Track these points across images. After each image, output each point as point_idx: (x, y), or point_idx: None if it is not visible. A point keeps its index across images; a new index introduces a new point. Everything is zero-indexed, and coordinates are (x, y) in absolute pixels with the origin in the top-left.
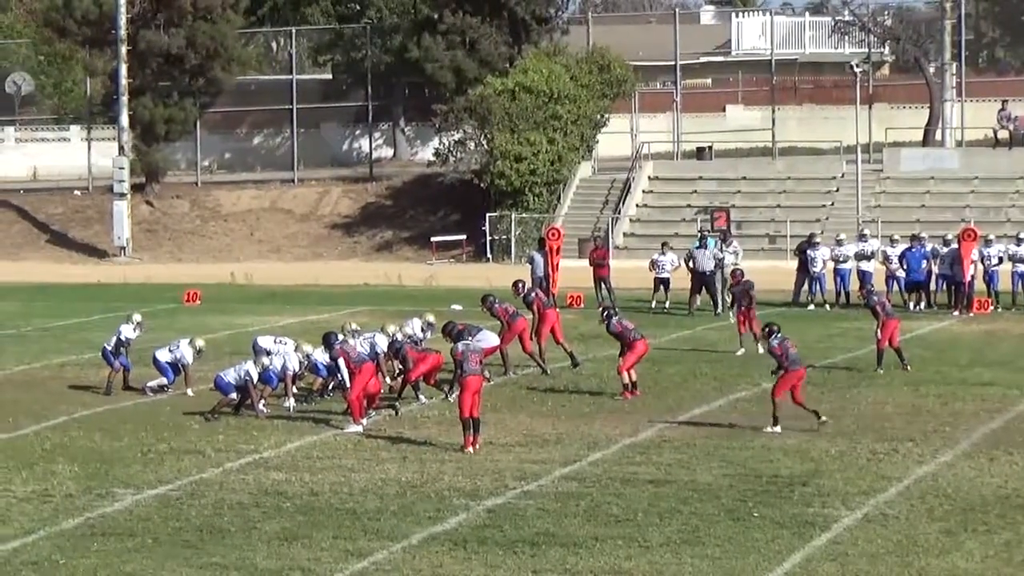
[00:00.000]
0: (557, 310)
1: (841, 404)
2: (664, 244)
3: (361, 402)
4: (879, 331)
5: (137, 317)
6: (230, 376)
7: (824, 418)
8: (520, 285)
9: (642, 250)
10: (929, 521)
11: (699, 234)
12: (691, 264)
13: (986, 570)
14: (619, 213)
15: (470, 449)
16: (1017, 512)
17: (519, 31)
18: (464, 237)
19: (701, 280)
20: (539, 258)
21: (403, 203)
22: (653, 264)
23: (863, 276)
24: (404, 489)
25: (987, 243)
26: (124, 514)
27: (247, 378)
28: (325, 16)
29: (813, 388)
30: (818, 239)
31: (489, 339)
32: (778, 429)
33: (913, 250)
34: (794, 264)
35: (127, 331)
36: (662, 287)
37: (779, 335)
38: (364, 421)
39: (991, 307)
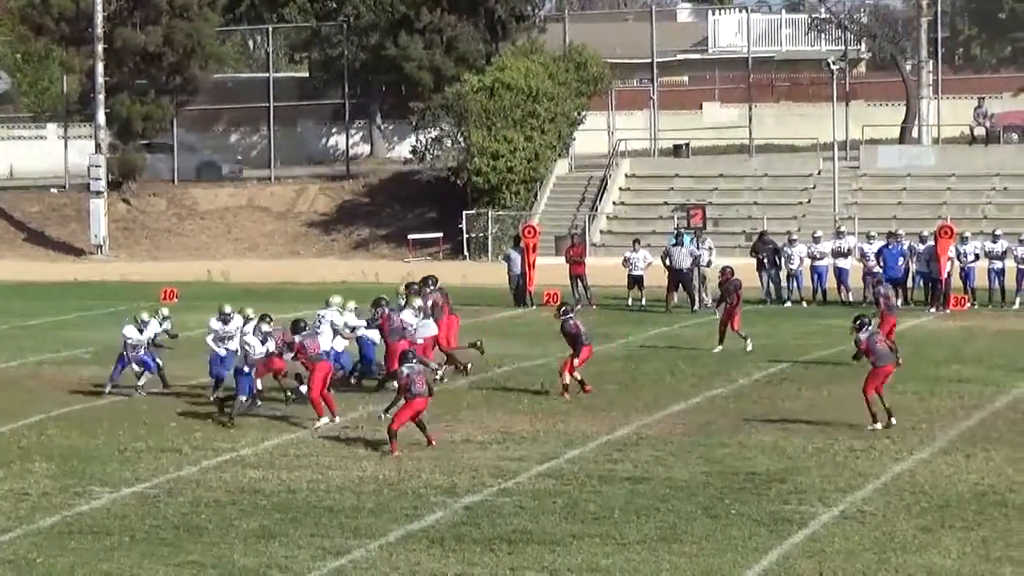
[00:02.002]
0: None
1: (818, 401)
2: (635, 241)
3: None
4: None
5: (144, 316)
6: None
7: (893, 420)
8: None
9: (619, 247)
10: (906, 518)
11: (675, 231)
12: (668, 261)
13: (963, 566)
14: (596, 210)
15: (397, 454)
16: (994, 508)
17: (496, 29)
18: (441, 235)
19: (678, 277)
20: (515, 256)
21: (380, 201)
22: (626, 261)
23: (840, 273)
24: (381, 487)
25: (963, 240)
26: (101, 512)
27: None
28: (302, 14)
29: (789, 384)
30: (769, 236)
31: (430, 328)
32: (879, 426)
33: (890, 247)
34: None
35: (131, 331)
36: (636, 285)
37: (868, 328)
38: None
39: (968, 304)
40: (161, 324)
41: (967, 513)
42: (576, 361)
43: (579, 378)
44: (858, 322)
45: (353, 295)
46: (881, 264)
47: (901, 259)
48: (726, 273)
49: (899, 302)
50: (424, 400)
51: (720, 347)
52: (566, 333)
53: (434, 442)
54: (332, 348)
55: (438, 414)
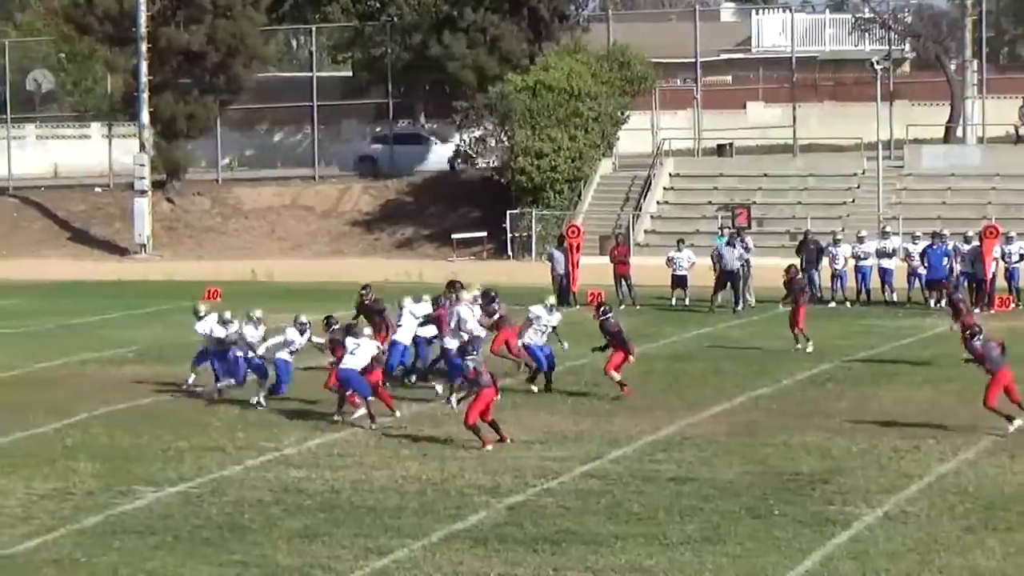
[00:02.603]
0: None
1: (862, 401)
2: (680, 241)
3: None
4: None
5: (227, 314)
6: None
7: (1020, 421)
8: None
9: (663, 247)
10: (950, 519)
11: (724, 231)
12: (719, 261)
13: (1007, 568)
14: (640, 210)
15: (489, 447)
16: None
17: (540, 28)
18: (485, 234)
19: (727, 277)
20: (559, 255)
21: (424, 200)
22: (669, 261)
23: (884, 273)
24: (424, 487)
25: (1008, 240)
26: (145, 512)
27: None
28: (345, 13)
29: (833, 384)
30: (814, 236)
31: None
32: (1019, 421)
33: (934, 247)
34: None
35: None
36: (680, 285)
37: (981, 337)
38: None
39: (1012, 304)
40: (257, 327)
41: (1011, 514)
42: (618, 359)
43: (618, 379)
44: (969, 332)
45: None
46: (925, 264)
47: (945, 259)
48: (791, 272)
49: (943, 303)
50: (492, 390)
51: (805, 346)
52: (607, 332)
53: (508, 439)
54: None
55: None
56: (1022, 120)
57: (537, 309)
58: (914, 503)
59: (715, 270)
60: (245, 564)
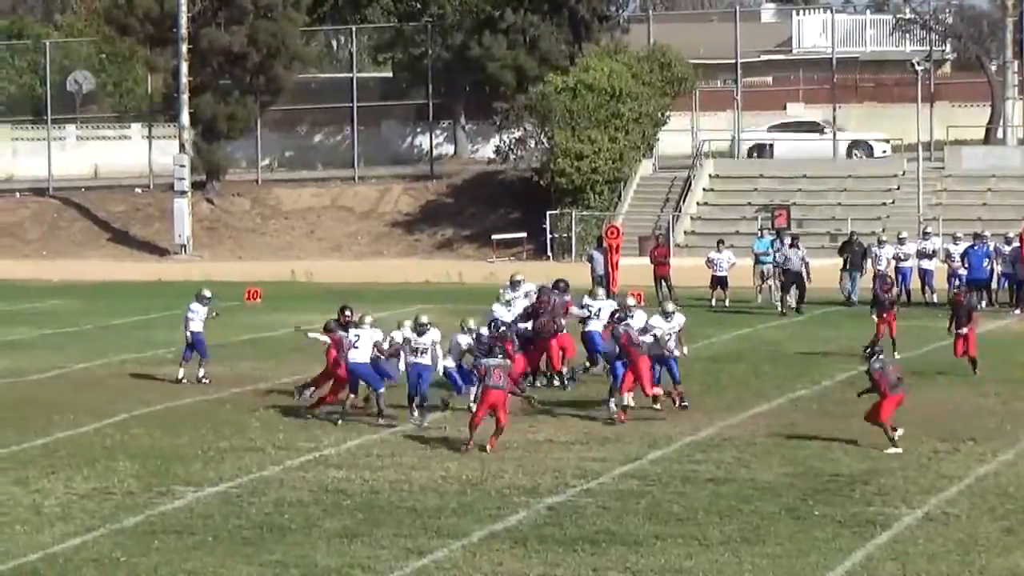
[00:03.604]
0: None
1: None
2: (720, 242)
3: None
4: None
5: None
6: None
7: (900, 432)
8: None
9: (703, 248)
10: (990, 520)
11: (764, 232)
12: (784, 264)
13: None
14: (680, 211)
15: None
16: None
17: (580, 29)
18: (524, 235)
19: (792, 279)
20: (598, 256)
21: (463, 201)
22: (709, 262)
23: (924, 274)
24: (464, 487)
25: None
26: (185, 512)
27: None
28: (386, 14)
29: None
30: (859, 237)
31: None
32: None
33: (976, 248)
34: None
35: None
36: (720, 285)
37: (881, 359)
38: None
39: None
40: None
41: None
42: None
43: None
44: (868, 351)
45: (438, 296)
46: (966, 265)
47: (986, 260)
48: (887, 282)
49: (984, 304)
50: (499, 392)
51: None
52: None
53: (489, 448)
54: None
55: (522, 415)
56: None
57: (656, 320)
58: (954, 504)
59: (779, 272)
60: (284, 564)
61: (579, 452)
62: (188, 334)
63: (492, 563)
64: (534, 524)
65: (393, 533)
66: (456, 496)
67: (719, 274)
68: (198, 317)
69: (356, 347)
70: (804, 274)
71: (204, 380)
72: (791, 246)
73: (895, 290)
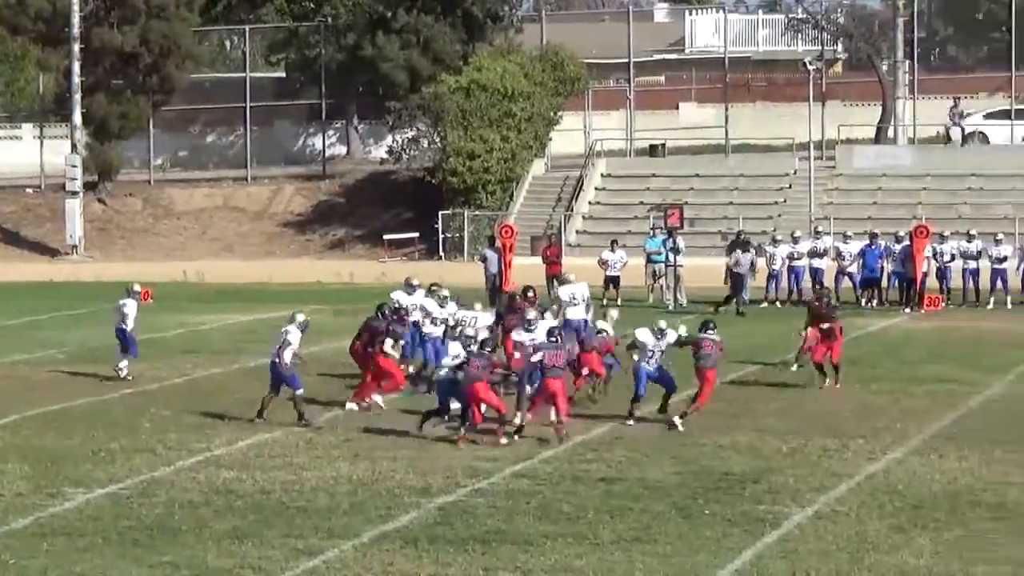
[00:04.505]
0: None
1: (792, 402)
2: (613, 242)
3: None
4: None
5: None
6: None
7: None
8: None
9: (595, 248)
10: (880, 518)
11: (656, 232)
12: (734, 265)
13: (936, 566)
14: (572, 210)
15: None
16: (967, 508)
17: (473, 29)
18: (417, 235)
19: (736, 280)
20: (492, 255)
21: (356, 201)
22: (602, 262)
23: (816, 273)
24: (355, 487)
25: (942, 239)
26: (75, 513)
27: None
28: (279, 14)
29: (767, 387)
30: (746, 236)
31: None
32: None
33: (872, 247)
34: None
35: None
36: (612, 285)
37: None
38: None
39: (942, 304)
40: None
41: (940, 513)
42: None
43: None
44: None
45: (329, 296)
46: (861, 264)
47: (880, 260)
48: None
49: (875, 303)
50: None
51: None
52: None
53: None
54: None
55: (415, 413)
56: (953, 121)
57: (643, 335)
58: (844, 502)
59: (727, 275)
60: (175, 565)
61: (470, 452)
62: (121, 330)
63: (383, 563)
64: (425, 524)
65: (284, 534)
66: (347, 496)
67: (612, 274)
68: (132, 313)
69: (289, 343)
70: (751, 276)
71: (127, 377)
72: (743, 250)
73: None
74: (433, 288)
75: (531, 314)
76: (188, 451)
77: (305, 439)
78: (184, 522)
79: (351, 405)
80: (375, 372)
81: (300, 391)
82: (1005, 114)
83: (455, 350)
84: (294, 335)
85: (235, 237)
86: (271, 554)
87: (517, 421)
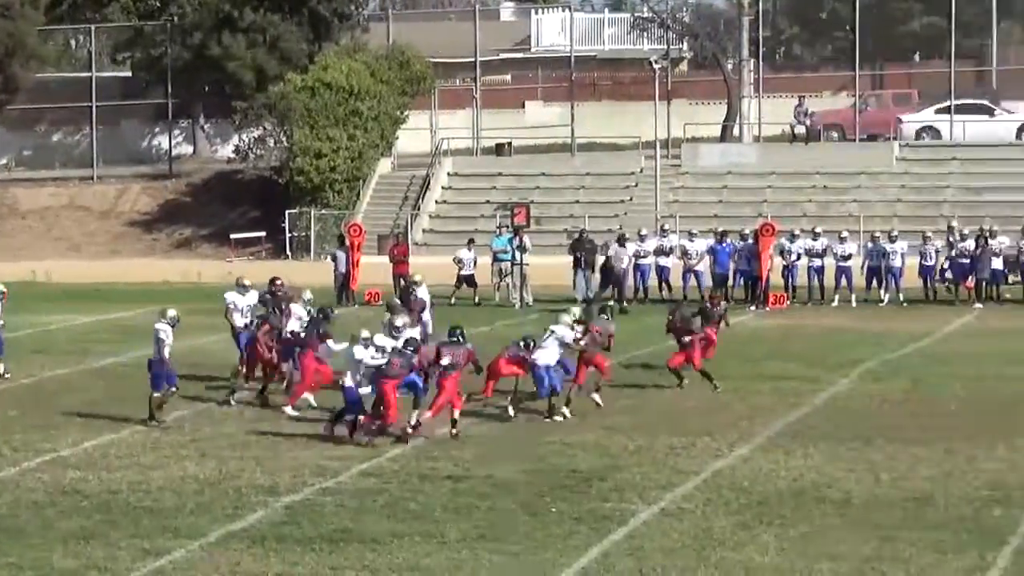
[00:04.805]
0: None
1: (639, 400)
2: (470, 241)
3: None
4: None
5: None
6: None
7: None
8: None
9: (442, 246)
10: (725, 514)
11: (502, 230)
12: (609, 261)
13: (781, 563)
14: (419, 209)
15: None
16: (812, 505)
17: (320, 28)
18: (263, 234)
19: (611, 277)
20: (341, 255)
21: (202, 200)
22: (458, 260)
23: (661, 271)
24: (202, 486)
25: (792, 238)
26: None
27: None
28: (125, 13)
29: (614, 386)
30: (589, 235)
31: None
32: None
33: (723, 245)
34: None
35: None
36: (466, 283)
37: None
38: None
39: (787, 302)
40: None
41: (785, 509)
42: None
43: None
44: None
45: (178, 296)
46: (713, 261)
47: (729, 258)
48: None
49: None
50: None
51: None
52: None
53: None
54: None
55: (264, 414)
56: (798, 119)
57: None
58: (690, 499)
59: (602, 270)
60: (19, 567)
61: (318, 450)
62: None
63: (230, 563)
64: (272, 523)
65: (131, 534)
66: (194, 496)
67: (467, 272)
68: None
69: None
70: (627, 272)
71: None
72: (620, 245)
73: (723, 304)
74: (276, 285)
75: (399, 320)
76: (34, 451)
77: (152, 439)
78: (29, 523)
79: (288, 410)
80: (303, 372)
81: (174, 390)
82: (955, 109)
83: (382, 342)
84: (165, 331)
85: (81, 236)
86: (117, 554)
87: (413, 420)
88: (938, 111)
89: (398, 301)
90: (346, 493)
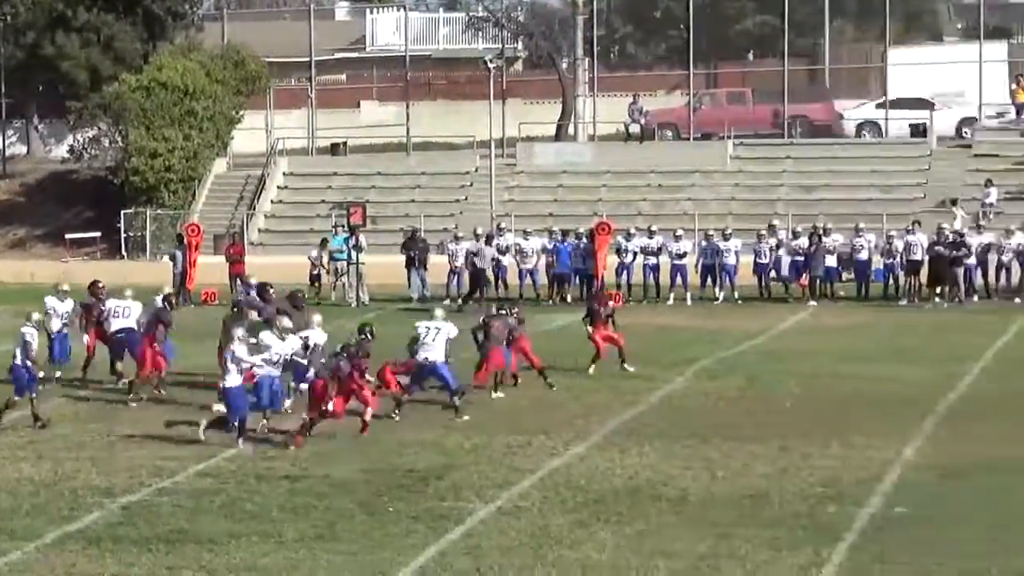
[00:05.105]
0: None
1: (476, 399)
2: (323, 241)
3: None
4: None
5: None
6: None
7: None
8: None
9: (278, 246)
10: (562, 513)
11: (339, 230)
12: (475, 261)
13: (618, 560)
14: (254, 209)
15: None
16: (648, 502)
17: (154, 28)
18: (99, 234)
19: (477, 276)
20: (179, 255)
21: (37, 200)
22: (311, 260)
23: (499, 270)
24: (38, 488)
25: (627, 236)
26: None
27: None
28: None
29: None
30: (421, 234)
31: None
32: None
33: (565, 244)
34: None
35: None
36: (318, 282)
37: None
38: None
39: (622, 300)
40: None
41: (621, 507)
42: None
43: None
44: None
45: (11, 296)
46: (556, 260)
47: (571, 256)
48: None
49: (558, 299)
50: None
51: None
52: None
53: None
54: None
55: (101, 414)
56: (632, 117)
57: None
58: (527, 497)
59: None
60: None
61: (154, 451)
62: None
63: (66, 564)
64: (108, 524)
65: None
66: (29, 497)
67: (316, 273)
68: None
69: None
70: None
71: None
72: (487, 243)
73: (611, 304)
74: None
75: (287, 322)
76: None
77: None
78: None
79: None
80: (140, 360)
81: (35, 395)
82: (895, 104)
83: (268, 341)
84: (31, 334)
85: None
86: None
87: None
88: (878, 106)
89: (288, 303)
90: (183, 493)
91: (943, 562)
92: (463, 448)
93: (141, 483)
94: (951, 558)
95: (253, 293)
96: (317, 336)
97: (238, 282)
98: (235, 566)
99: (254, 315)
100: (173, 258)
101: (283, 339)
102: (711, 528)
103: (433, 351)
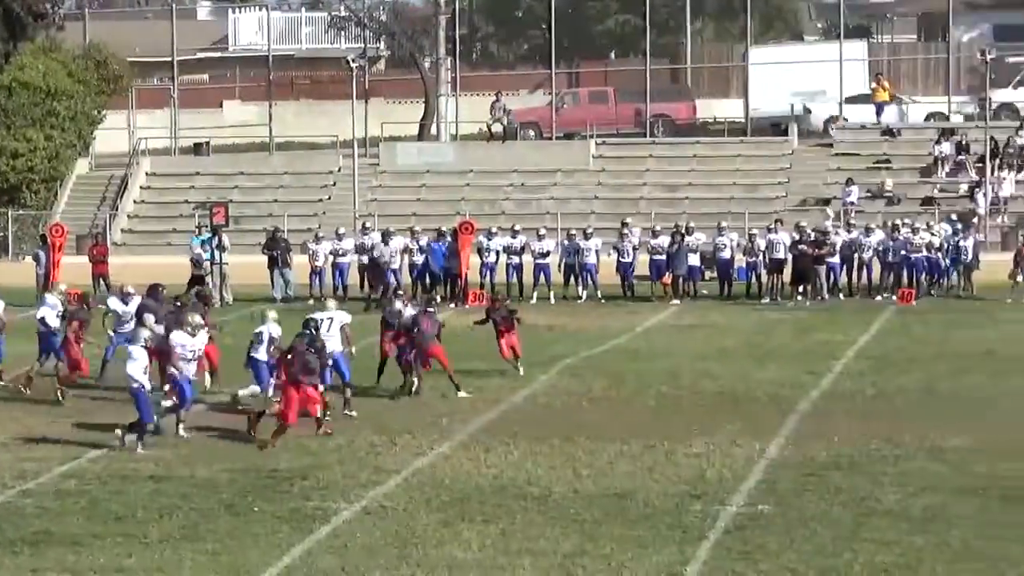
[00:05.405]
0: None
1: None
2: (204, 242)
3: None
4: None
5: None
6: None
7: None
8: None
9: (141, 247)
10: (427, 512)
11: (202, 230)
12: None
13: (483, 559)
14: (117, 209)
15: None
16: (513, 501)
17: (15, 27)
18: None
19: (382, 276)
20: (43, 255)
21: None
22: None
23: (363, 271)
24: None
25: (490, 235)
26: None
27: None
28: None
29: None
30: (281, 234)
31: None
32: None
33: (439, 244)
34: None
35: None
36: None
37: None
38: None
39: (486, 299)
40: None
41: (486, 506)
42: None
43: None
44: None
45: None
46: (428, 258)
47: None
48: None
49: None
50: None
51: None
52: None
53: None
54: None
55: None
56: (495, 116)
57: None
58: (392, 497)
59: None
60: None
61: (17, 452)
62: None
63: None
64: None
65: None
66: None
67: (200, 273)
68: None
69: None
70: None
71: None
72: (384, 243)
73: (507, 304)
74: None
75: (196, 319)
76: None
77: None
78: None
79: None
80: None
81: None
82: (864, 98)
83: (180, 339)
84: None
85: None
86: None
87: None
88: (848, 100)
89: (196, 300)
90: (47, 495)
91: (807, 559)
92: (327, 448)
93: (4, 485)
94: (815, 555)
95: (116, 296)
96: (273, 329)
97: (101, 282)
98: (100, 567)
99: (150, 319)
100: (36, 258)
101: (194, 335)
102: (576, 526)
103: (331, 340)
